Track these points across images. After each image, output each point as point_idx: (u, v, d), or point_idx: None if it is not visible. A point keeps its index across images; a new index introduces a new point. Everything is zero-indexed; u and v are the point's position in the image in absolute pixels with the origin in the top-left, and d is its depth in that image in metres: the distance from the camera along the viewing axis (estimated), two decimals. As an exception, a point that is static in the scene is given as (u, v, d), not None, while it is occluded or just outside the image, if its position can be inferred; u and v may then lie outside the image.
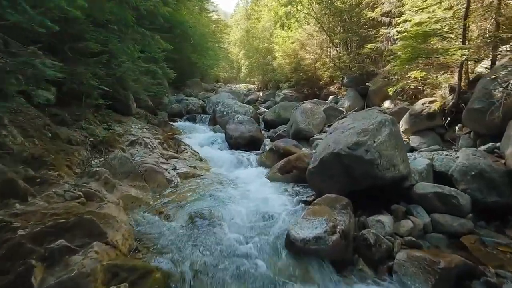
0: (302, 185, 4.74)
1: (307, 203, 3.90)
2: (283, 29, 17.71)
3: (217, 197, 4.18)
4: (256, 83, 25.40)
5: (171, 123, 9.83)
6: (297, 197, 4.22)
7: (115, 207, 3.12)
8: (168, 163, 5.43)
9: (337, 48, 11.83)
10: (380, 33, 8.44)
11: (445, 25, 4.65)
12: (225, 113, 9.91)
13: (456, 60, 4.47)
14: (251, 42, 21.90)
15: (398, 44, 6.42)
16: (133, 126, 6.23)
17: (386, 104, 9.32)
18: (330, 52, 12.89)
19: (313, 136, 7.00)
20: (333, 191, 3.63)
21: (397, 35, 8.23)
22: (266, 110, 13.25)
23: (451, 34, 4.73)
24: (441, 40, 4.89)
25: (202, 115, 11.47)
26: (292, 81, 14.24)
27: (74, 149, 4.25)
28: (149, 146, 5.69)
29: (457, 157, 3.88)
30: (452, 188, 3.40)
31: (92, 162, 4.25)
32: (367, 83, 9.29)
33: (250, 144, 7.54)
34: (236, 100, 12.65)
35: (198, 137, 8.34)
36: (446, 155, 4.22)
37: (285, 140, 6.71)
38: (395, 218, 3.36)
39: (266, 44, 19.98)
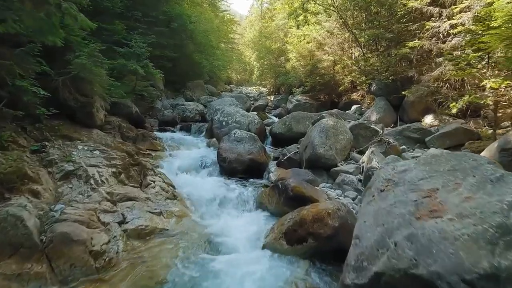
0: (323, 269, 2.69)
1: None
2: (298, 29, 15.58)
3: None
4: (267, 86, 23.35)
5: (158, 133, 7.90)
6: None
7: None
8: (116, 211, 3.45)
9: (363, 48, 9.61)
10: (426, 27, 6.23)
11: None
12: (224, 123, 7.90)
13: None
14: (263, 42, 19.79)
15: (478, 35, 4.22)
16: (80, 146, 4.27)
17: (428, 119, 7.11)
18: (353, 53, 10.70)
19: (336, 165, 4.89)
20: None
21: (451, 30, 6.04)
22: (275, 120, 11.18)
23: None
24: None
25: (200, 124, 9.49)
26: (307, 86, 12.08)
27: None
28: (93, 180, 3.71)
29: None
30: None
31: None
32: (403, 92, 7.09)
33: (250, 170, 5.53)
34: (241, 106, 10.64)
35: (185, 156, 6.35)
36: None
37: (296, 172, 4.63)
38: None
39: (279, 44, 17.88)
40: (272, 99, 17.48)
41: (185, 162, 5.98)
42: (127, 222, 3.35)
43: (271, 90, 21.52)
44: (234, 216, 4.08)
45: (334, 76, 11.32)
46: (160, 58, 9.91)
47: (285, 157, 5.63)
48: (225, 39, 24.34)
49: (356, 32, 9.46)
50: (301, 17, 14.06)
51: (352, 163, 4.98)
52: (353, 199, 4.00)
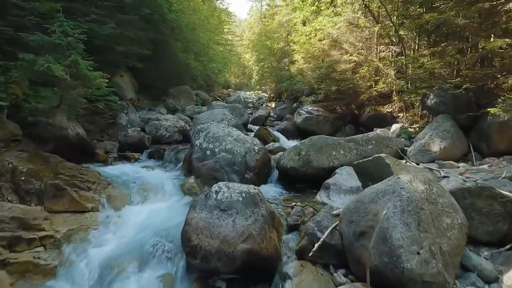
0: None
1: None
2: (304, 25, 12.70)
3: None
4: (268, 91, 20.41)
5: (108, 168, 4.93)
6: None
7: None
8: None
9: (404, 44, 6.64)
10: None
11: None
12: (208, 152, 5.00)
13: None
14: (263, 42, 16.82)
15: None
16: None
17: (536, 155, 4.17)
18: (382, 51, 7.78)
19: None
20: None
21: None
22: (282, 138, 8.24)
23: None
24: None
25: (179, 147, 6.47)
26: (321, 94, 9.13)
27: None
28: None
29: None
30: None
31: None
32: (486, 110, 4.20)
33: (246, 271, 2.61)
34: (236, 121, 7.62)
35: (132, 223, 3.41)
36: None
37: None
38: None
39: (282, 44, 14.92)
40: (273, 106, 14.58)
41: (124, 244, 3.04)
42: None
43: (272, 95, 18.59)
44: None
45: (356, 82, 8.37)
46: (126, 56, 6.94)
47: (317, 244, 2.69)
48: (222, 40, 21.41)
49: (396, 23, 6.49)
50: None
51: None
52: None
